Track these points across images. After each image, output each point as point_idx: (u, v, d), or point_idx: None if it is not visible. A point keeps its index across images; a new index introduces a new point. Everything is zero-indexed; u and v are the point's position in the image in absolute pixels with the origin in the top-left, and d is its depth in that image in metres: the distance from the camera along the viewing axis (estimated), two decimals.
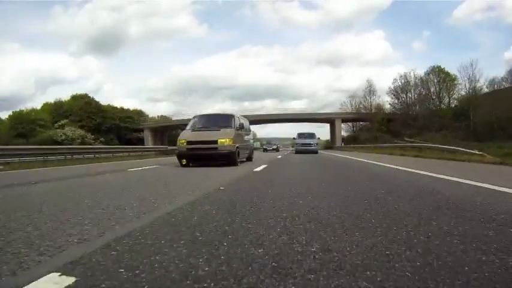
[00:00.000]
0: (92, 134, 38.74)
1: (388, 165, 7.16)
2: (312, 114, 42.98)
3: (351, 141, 34.92)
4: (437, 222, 1.87)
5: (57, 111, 44.21)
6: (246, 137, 9.56)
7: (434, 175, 4.61)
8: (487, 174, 5.20)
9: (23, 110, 40.56)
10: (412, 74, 34.17)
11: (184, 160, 8.14)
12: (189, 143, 8.06)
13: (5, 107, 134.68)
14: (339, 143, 36.26)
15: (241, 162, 9.35)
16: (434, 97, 31.08)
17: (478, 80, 30.12)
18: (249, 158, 10.23)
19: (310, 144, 18.97)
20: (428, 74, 32.82)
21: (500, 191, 3.04)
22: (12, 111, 41.17)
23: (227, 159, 7.83)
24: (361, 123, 40.02)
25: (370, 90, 36.54)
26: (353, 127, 41.62)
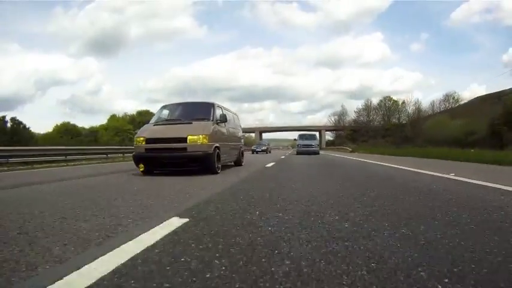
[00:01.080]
0: None
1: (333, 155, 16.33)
2: (306, 127, 57.39)
3: (330, 145, 52.61)
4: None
5: (133, 122, 49.26)
6: (231, 135, 7.18)
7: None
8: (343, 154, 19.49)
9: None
10: (370, 103, 51.65)
11: (142, 166, 5.75)
12: (148, 141, 5.67)
13: (4, 108, 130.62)
14: (323, 145, 49.11)
15: (226, 167, 6.97)
16: (382, 118, 48.53)
17: (421, 103, 47.22)
18: (238, 162, 7.87)
19: (311, 145, 19.04)
20: (383, 101, 49.91)
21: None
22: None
23: (201, 163, 5.45)
24: (338, 132, 58.77)
25: (343, 113, 55.93)
26: (334, 135, 61.88)
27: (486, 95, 44.28)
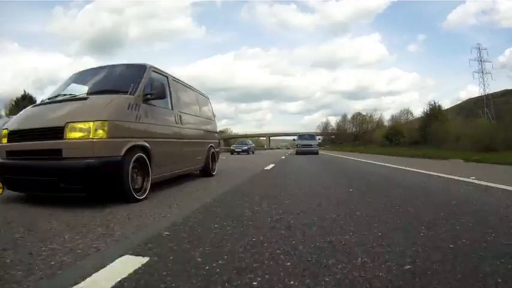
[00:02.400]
0: None
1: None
2: (305, 133, 72.86)
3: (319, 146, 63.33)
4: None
5: None
6: (190, 126, 4.20)
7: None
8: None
9: None
10: (345, 117, 66.93)
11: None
12: (11, 137, 2.79)
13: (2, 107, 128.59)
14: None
15: (184, 179, 4.06)
16: (355, 127, 62.77)
17: (383, 116, 62.11)
18: (206, 170, 4.89)
19: (310, 145, 18.72)
20: (355, 116, 64.44)
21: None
22: None
23: (94, 184, 2.51)
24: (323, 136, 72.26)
25: (327, 124, 72.55)
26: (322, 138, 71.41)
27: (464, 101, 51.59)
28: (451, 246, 1.46)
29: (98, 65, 3.72)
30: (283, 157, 13.47)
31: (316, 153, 18.25)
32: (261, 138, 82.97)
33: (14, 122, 2.97)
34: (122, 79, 3.27)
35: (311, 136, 21.01)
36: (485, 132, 16.58)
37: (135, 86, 3.02)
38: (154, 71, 3.46)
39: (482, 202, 2.59)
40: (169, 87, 3.74)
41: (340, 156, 15.39)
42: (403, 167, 6.60)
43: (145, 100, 3.06)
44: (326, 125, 74.57)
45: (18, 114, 3.24)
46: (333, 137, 66.79)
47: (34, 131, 2.65)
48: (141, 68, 3.34)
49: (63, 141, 2.48)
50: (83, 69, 3.79)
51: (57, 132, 2.51)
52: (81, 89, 3.48)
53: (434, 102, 32.02)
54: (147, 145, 2.96)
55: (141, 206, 2.57)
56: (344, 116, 69.75)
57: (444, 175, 4.69)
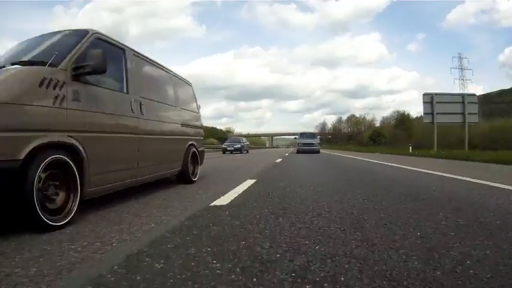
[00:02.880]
0: None
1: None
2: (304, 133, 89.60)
3: None
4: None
5: None
6: (152, 115, 3.08)
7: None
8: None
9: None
10: (341, 119, 74.33)
11: None
12: None
13: None
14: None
15: (150, 187, 3.08)
16: (350, 128, 69.08)
17: (376, 119, 64.59)
18: (183, 175, 3.89)
19: (312, 144, 18.01)
20: (350, 117, 71.67)
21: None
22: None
23: None
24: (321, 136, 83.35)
25: (324, 125, 78.17)
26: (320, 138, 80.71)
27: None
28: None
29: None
30: (278, 160, 9.79)
31: (318, 152, 18.00)
32: (262, 137, 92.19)
33: None
34: (51, 48, 2.27)
35: (312, 135, 20.71)
36: (423, 135, 22.23)
37: (60, 55, 2.04)
38: (100, 39, 2.46)
39: (378, 170, 5.80)
40: (126, 63, 2.75)
41: (329, 152, 21.19)
42: (351, 156, 13.14)
43: (77, 76, 2.07)
44: (323, 125, 79.87)
45: None
46: (330, 136, 71.90)
47: None
48: (81, 34, 2.35)
49: None
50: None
51: None
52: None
53: (404, 111, 42.34)
54: (76, 142, 1.98)
55: (49, 238, 1.60)
56: (339, 118, 77.34)
57: (363, 158, 10.19)
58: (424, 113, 15.41)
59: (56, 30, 2.60)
